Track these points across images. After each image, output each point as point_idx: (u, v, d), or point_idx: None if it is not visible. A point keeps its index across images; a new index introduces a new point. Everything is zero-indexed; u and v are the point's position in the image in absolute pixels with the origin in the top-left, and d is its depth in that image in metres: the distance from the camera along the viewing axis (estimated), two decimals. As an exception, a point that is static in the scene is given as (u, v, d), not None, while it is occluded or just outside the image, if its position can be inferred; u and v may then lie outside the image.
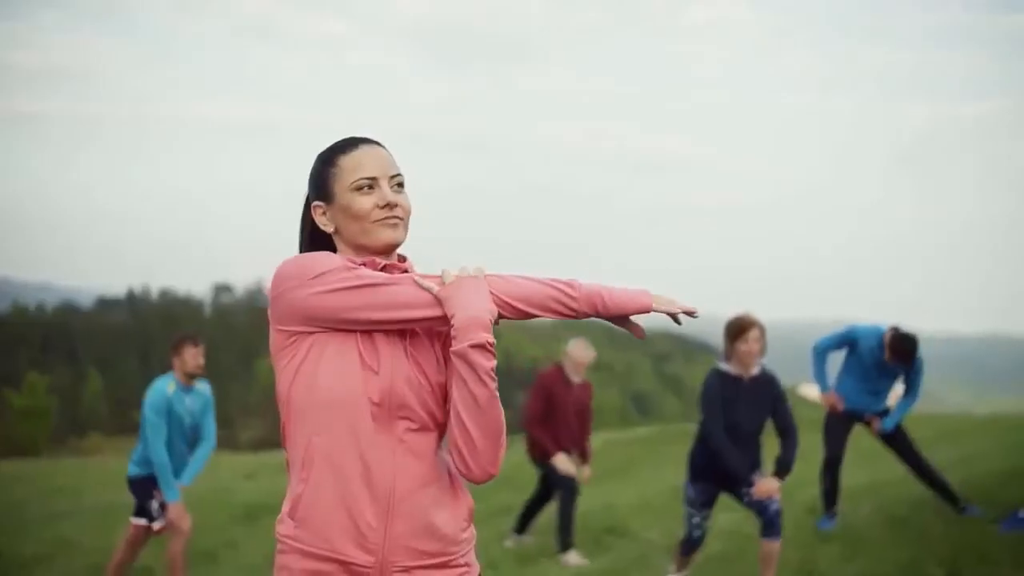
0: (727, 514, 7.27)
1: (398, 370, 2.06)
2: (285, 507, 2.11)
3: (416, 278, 2.06)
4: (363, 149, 2.15)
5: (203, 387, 6.34)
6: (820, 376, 6.99)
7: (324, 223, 2.17)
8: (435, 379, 2.11)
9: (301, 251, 2.25)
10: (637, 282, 2.19)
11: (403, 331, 2.09)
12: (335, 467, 2.03)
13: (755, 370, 5.36)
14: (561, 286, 2.09)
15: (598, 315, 2.11)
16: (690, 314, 2.14)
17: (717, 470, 5.33)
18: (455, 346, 2.01)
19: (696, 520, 5.55)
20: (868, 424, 6.95)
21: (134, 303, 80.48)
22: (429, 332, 2.14)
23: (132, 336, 71.63)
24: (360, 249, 2.15)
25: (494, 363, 2.03)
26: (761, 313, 5.49)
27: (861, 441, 7.95)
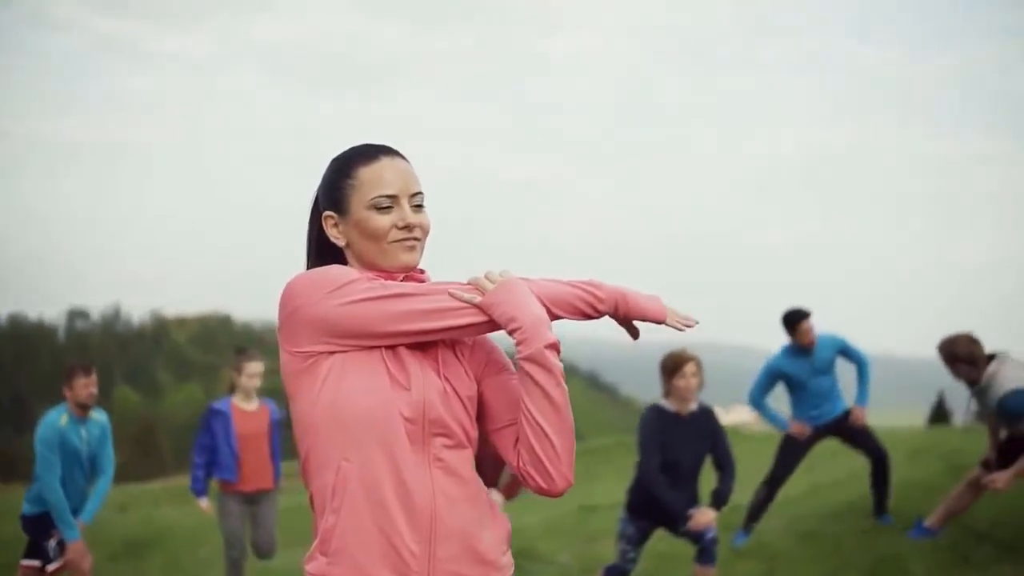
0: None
1: (430, 385, 1.93)
2: (315, 545, 1.94)
3: (452, 289, 1.94)
4: (384, 162, 2.01)
5: (99, 416, 5.98)
6: (773, 419, 7.12)
7: (336, 236, 2.03)
8: (465, 393, 1.99)
9: (308, 261, 2.10)
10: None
11: (430, 345, 1.97)
12: (370, 492, 1.87)
13: (693, 405, 5.34)
14: (587, 287, 2.03)
15: (615, 317, 2.07)
16: (688, 325, 2.13)
17: (655, 507, 5.30)
18: (526, 350, 1.89)
19: (631, 556, 5.52)
20: (842, 425, 7.01)
21: (-20, 329, 76.49)
22: (454, 345, 2.02)
23: (-21, 364, 68.01)
24: (372, 268, 2.01)
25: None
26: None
27: (764, 460, 8.08)
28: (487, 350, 2.07)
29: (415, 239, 1.99)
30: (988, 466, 6.02)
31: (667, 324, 2.09)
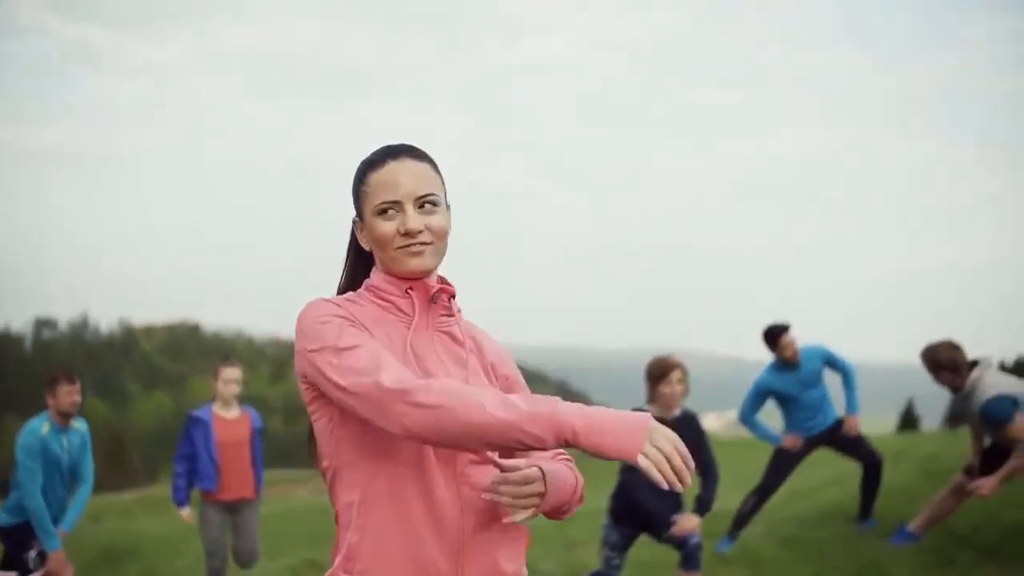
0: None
1: None
2: (337, 562, 1.89)
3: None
4: (391, 165, 1.95)
5: (79, 425, 5.92)
6: (765, 435, 7.13)
7: (363, 241, 2.01)
8: None
9: (345, 262, 2.10)
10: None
11: (457, 356, 1.96)
12: (398, 510, 1.84)
13: (676, 411, 5.34)
14: (520, 424, 1.68)
15: (568, 447, 1.75)
16: (672, 486, 1.70)
17: (638, 513, 5.30)
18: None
19: (616, 562, 5.52)
20: (835, 435, 7.02)
21: (-55, 339, 75.39)
22: (481, 352, 2.02)
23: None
24: (390, 273, 1.98)
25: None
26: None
27: (739, 465, 8.12)
28: (513, 374, 2.09)
29: (422, 243, 1.93)
30: (971, 472, 6.07)
31: (641, 468, 1.67)
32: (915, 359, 6.07)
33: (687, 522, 5.20)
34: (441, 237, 1.96)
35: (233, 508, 6.60)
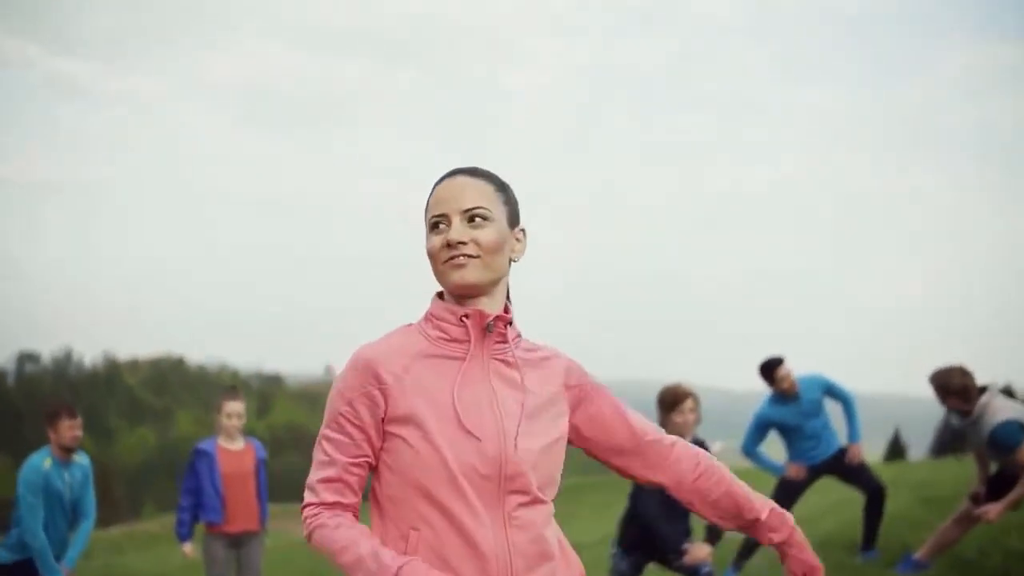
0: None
1: (506, 440, 1.88)
2: None
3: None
4: (445, 183, 1.96)
5: (82, 459, 5.88)
6: (768, 466, 7.15)
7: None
8: (553, 437, 1.96)
9: None
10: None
11: (515, 381, 1.94)
12: (443, 560, 1.82)
13: (688, 439, 5.35)
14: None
15: None
16: None
17: (649, 541, 5.29)
18: None
19: None
20: (839, 463, 7.00)
21: (-74, 373, 74.67)
22: (540, 382, 2.00)
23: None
24: (445, 289, 1.97)
25: None
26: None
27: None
28: (584, 383, 2.07)
29: (467, 256, 1.89)
30: (977, 499, 6.06)
31: None
32: (897, 389, 6.09)
33: (699, 551, 5.18)
34: (489, 251, 1.91)
35: (238, 541, 6.55)
